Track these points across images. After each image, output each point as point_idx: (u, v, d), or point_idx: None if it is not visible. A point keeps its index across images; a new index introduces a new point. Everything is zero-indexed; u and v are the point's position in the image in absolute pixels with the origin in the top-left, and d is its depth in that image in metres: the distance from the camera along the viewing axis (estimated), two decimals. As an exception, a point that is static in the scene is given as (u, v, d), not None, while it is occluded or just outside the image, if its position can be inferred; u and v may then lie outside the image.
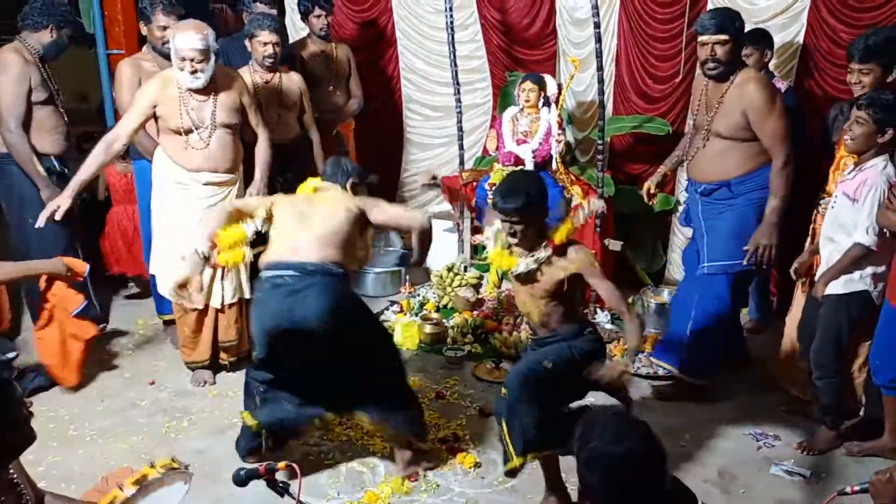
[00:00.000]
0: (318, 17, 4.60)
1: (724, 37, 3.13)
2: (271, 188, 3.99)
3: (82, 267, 3.44)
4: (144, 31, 3.89)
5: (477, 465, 3.06)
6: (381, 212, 3.01)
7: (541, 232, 2.60)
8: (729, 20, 3.17)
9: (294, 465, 2.03)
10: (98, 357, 3.97)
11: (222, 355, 3.80)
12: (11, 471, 1.97)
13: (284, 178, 4.17)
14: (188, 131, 3.48)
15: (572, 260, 2.58)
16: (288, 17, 5.39)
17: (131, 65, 3.87)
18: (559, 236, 2.60)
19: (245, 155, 3.75)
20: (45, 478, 2.89)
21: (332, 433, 3.26)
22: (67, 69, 4.07)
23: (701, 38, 3.20)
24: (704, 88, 3.34)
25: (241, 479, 2.03)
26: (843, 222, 2.95)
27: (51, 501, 2.15)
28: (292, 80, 4.18)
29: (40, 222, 3.39)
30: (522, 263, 2.62)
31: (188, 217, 3.52)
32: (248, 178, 3.80)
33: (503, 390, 2.74)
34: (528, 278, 2.65)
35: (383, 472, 3.04)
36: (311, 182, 3.11)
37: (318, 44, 4.68)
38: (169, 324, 4.05)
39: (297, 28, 5.27)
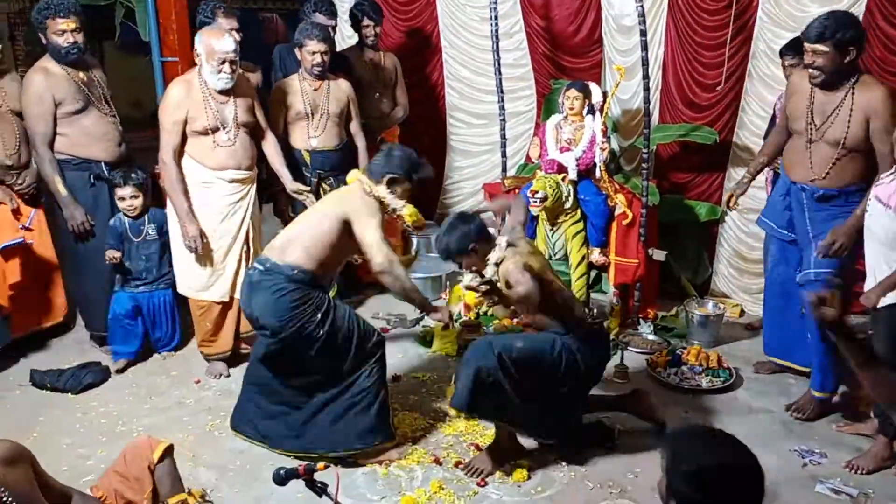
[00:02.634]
0: (367, 26, 4.69)
1: (822, 47, 3.01)
2: (316, 193, 4.09)
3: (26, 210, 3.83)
4: None
5: (529, 477, 3.05)
6: (360, 231, 3.01)
7: (476, 259, 2.98)
8: (832, 28, 2.99)
9: (333, 465, 2.07)
10: (147, 357, 4.09)
11: (244, 345, 3.92)
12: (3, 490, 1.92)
13: (329, 184, 4.25)
14: (215, 130, 3.58)
15: (502, 273, 2.92)
16: (338, 25, 5.48)
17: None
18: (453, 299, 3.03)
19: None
20: (93, 471, 3.00)
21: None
22: (123, 77, 4.18)
23: (805, 45, 3.10)
24: (811, 94, 3.20)
25: (281, 479, 2.08)
26: (874, 229, 2.86)
27: (79, 500, 2.21)
28: (341, 88, 4.25)
29: (196, 253, 3.61)
30: (467, 277, 3.02)
31: (211, 215, 3.65)
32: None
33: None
34: (491, 294, 2.86)
35: (420, 477, 3.06)
36: (351, 174, 3.23)
37: (366, 52, 4.76)
38: (121, 371, 3.91)
39: (344, 37, 5.35)
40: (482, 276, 2.95)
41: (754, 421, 3.45)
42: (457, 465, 3.11)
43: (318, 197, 4.06)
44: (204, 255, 3.68)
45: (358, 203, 3.05)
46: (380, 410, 3.10)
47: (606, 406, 3.37)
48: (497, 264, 2.97)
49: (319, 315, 2.95)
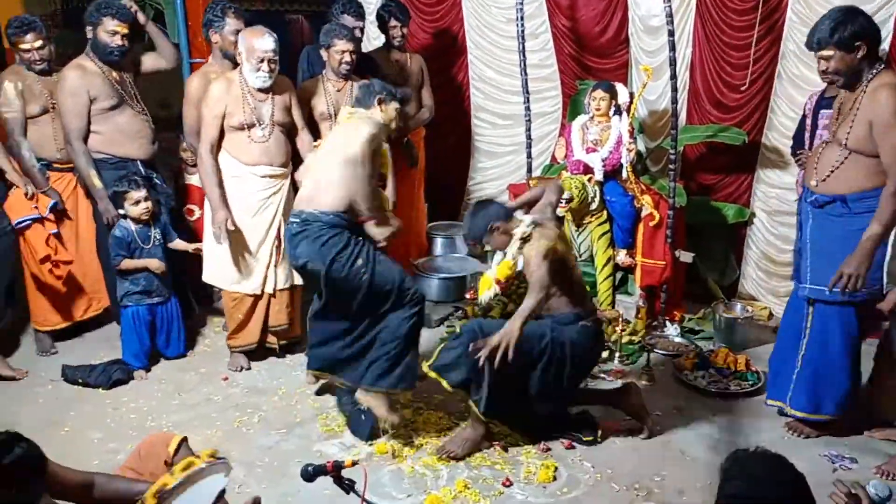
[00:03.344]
0: (394, 27, 4.71)
1: (826, 52, 2.86)
2: None
3: (45, 201, 3.93)
4: (216, 38, 3.93)
5: (554, 478, 3.04)
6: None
7: (503, 238, 3.04)
8: (829, 30, 2.82)
9: (360, 463, 2.08)
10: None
11: (271, 338, 3.98)
12: None
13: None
14: (251, 126, 3.66)
15: (525, 254, 2.95)
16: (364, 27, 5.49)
17: (200, 78, 3.92)
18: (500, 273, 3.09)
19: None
20: (124, 466, 3.03)
21: (400, 434, 3.31)
22: (151, 77, 4.22)
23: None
24: (844, 93, 3.03)
25: (309, 475, 2.10)
26: None
27: (104, 481, 2.20)
28: (365, 90, 4.27)
29: (220, 241, 3.64)
30: (498, 256, 3.12)
31: (243, 209, 3.71)
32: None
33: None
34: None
35: (446, 476, 3.06)
36: (343, 111, 3.33)
37: (393, 53, 4.79)
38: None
39: (370, 39, 5.38)
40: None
41: (783, 425, 3.40)
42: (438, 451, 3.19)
43: None
44: (233, 246, 3.71)
45: (348, 128, 3.20)
46: (412, 359, 3.19)
47: (595, 399, 3.38)
48: (523, 239, 2.98)
49: (360, 261, 3.06)
